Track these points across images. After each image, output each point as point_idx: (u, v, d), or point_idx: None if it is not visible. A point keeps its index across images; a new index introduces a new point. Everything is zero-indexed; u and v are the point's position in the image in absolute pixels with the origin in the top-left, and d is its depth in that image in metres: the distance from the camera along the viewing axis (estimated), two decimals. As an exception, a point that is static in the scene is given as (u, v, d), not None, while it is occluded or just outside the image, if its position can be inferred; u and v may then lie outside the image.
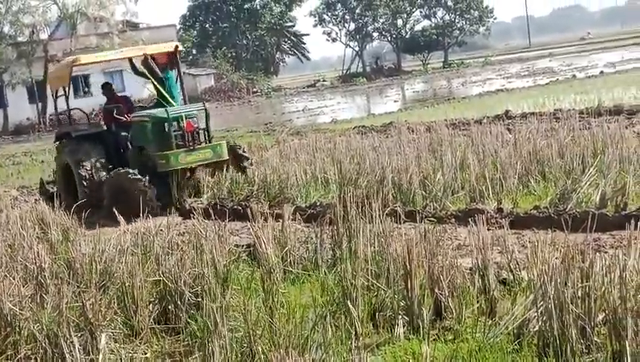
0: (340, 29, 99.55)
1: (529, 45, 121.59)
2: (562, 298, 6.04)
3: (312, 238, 9.73)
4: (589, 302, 6.06)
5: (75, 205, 14.10)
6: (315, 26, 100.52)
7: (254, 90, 78.90)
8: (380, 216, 9.13)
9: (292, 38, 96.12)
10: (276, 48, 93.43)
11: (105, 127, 17.09)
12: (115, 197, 14.86)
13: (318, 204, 12.97)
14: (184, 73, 18.95)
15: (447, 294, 7.28)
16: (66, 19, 60.76)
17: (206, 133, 16.10)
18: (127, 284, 8.10)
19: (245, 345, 6.81)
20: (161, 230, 10.42)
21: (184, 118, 15.54)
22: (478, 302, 7.30)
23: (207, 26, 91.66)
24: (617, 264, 6.09)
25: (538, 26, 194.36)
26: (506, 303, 7.21)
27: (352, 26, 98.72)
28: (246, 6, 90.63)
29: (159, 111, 16.00)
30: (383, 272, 7.91)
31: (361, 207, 9.32)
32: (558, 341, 6.03)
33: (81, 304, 7.27)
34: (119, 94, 18.71)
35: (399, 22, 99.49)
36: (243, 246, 10.13)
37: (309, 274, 9.15)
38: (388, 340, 7.05)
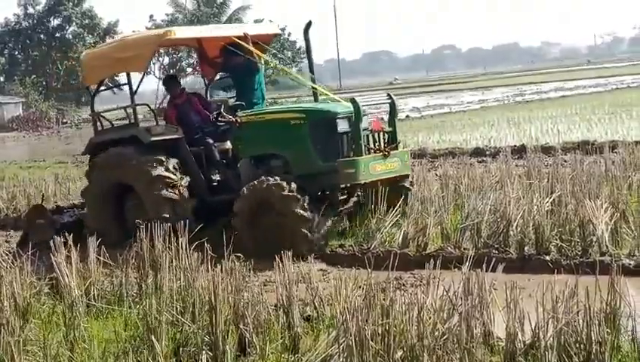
0: (153, 63, 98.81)
1: (340, 87, 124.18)
2: (363, 334, 6.17)
3: (117, 272, 9.58)
4: (388, 338, 6.20)
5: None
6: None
7: (64, 120, 77.09)
8: (187, 250, 9.10)
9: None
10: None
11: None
12: (252, 221, 11.15)
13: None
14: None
15: (251, 330, 7.30)
16: None
17: (392, 135, 12.07)
18: None
19: (43, 380, 6.63)
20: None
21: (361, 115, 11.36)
22: (282, 337, 7.36)
23: (16, 53, 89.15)
24: (416, 302, 6.29)
25: (349, 69, 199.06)
26: (309, 339, 7.30)
27: (166, 60, 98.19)
28: (57, 35, 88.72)
29: (330, 106, 12.14)
30: (189, 307, 7.88)
31: (168, 242, 9.27)
32: (358, 376, 6.15)
33: None
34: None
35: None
36: (46, 278, 9.83)
37: (112, 309, 8.99)
38: (191, 376, 7.00)
